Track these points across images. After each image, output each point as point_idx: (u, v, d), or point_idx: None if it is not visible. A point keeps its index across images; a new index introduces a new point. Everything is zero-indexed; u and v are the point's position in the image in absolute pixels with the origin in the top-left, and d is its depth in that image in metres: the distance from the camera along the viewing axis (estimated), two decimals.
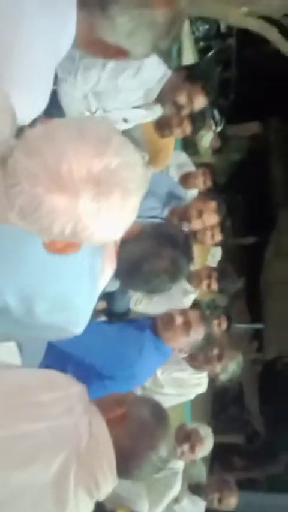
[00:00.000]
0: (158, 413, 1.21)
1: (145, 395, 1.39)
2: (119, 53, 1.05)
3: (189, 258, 1.58)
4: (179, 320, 2.03)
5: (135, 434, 1.14)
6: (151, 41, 1.04)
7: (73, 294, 1.06)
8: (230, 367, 2.82)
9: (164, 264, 1.47)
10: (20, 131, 0.89)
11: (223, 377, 2.88)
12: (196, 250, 4.26)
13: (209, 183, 3.24)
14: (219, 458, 3.04)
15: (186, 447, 2.74)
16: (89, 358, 1.74)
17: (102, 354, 1.78)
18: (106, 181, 0.70)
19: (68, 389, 1.10)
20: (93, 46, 1.07)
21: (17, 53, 0.97)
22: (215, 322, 3.26)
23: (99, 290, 1.19)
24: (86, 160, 0.70)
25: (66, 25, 1.01)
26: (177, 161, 3.29)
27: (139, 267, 1.45)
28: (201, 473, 3.27)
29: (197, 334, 2.07)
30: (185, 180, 3.21)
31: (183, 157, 3.45)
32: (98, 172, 0.70)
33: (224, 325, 3.30)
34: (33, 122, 1.03)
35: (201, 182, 3.23)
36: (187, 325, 2.04)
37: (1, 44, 0.96)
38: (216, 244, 3.81)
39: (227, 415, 8.94)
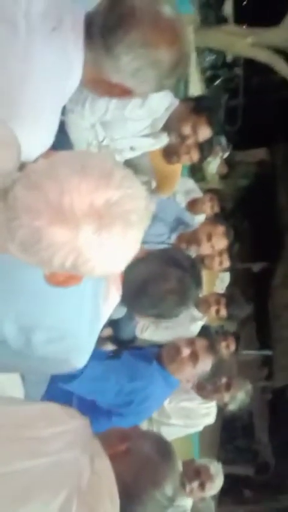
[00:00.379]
0: (163, 448, 1.17)
1: (150, 430, 1.35)
2: (123, 92, 1.07)
3: (197, 281, 1.55)
4: (185, 352, 1.97)
5: (139, 471, 1.10)
6: (156, 80, 1.05)
7: (74, 323, 1.03)
8: (239, 396, 2.76)
9: (171, 286, 1.43)
10: (23, 166, 0.90)
11: (232, 406, 2.82)
12: (204, 275, 4.24)
13: (216, 209, 3.25)
14: (228, 490, 2.92)
15: (195, 484, 2.64)
16: (95, 398, 1.69)
17: (111, 395, 1.73)
18: (108, 214, 0.70)
19: (69, 424, 1.06)
20: (99, 86, 1.09)
21: (25, 93, 0.98)
22: (223, 344, 3.19)
23: (104, 317, 1.17)
24: (88, 194, 0.70)
25: (73, 67, 1.03)
26: (185, 187, 3.30)
27: (145, 290, 1.41)
28: (209, 508, 3.17)
29: (205, 365, 2.00)
30: (193, 205, 3.22)
31: (190, 183, 3.47)
32: (99, 205, 0.70)
33: (232, 346, 3.23)
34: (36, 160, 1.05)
35: (209, 208, 3.24)
36: (194, 357, 1.98)
37: (10, 83, 0.98)
38: (224, 270, 3.79)
39: (236, 445, 8.72)
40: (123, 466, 1.08)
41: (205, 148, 2.56)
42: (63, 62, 1.01)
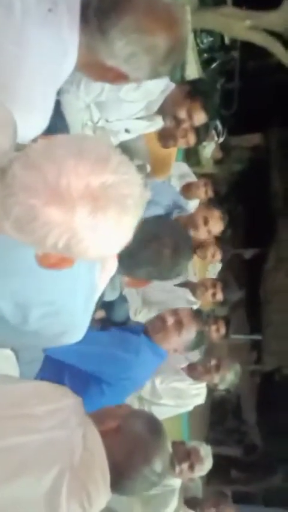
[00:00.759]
0: (153, 426, 1.20)
1: (141, 409, 1.37)
2: (118, 76, 1.06)
3: (189, 243, 1.58)
4: (170, 320, 2.02)
5: (129, 448, 1.13)
6: (150, 66, 1.04)
7: (69, 299, 1.04)
8: (228, 377, 2.82)
9: (166, 242, 1.47)
10: (19, 148, 0.90)
11: (222, 386, 2.87)
12: (197, 259, 4.26)
13: (210, 193, 3.25)
14: (216, 470, 2.99)
15: (185, 466, 2.71)
16: (86, 366, 1.72)
17: (99, 361, 1.76)
18: (103, 197, 0.71)
19: (62, 402, 1.08)
20: (93, 70, 1.08)
21: (21, 76, 0.98)
22: (213, 327, 3.22)
23: (101, 287, 1.18)
24: (85, 176, 0.71)
25: (68, 50, 1.02)
26: (179, 172, 3.29)
27: (141, 248, 1.44)
28: (197, 487, 3.24)
29: (189, 333, 2.04)
30: (187, 190, 3.22)
31: (184, 167, 3.46)
32: (95, 188, 0.70)
33: (223, 330, 3.26)
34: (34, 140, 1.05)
35: (203, 192, 3.24)
36: (179, 325, 2.02)
37: (5, 66, 0.97)
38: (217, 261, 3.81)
39: (225, 427, 8.88)
40: (114, 443, 1.11)
41: (201, 132, 2.55)
42: (59, 45, 1.01)
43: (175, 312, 2.10)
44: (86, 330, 1.75)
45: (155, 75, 1.09)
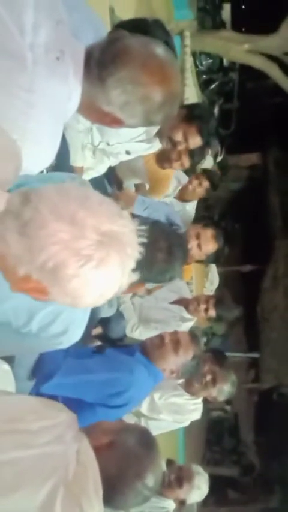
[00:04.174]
0: (146, 441, 1.21)
1: (134, 424, 1.37)
2: (114, 121, 1.14)
3: (184, 248, 1.60)
4: (168, 339, 2.05)
5: (122, 462, 1.14)
6: (143, 115, 1.12)
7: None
8: (226, 389, 2.81)
9: (160, 245, 1.50)
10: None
11: (221, 399, 2.88)
12: (194, 277, 4.28)
13: (205, 184, 3.24)
14: (212, 490, 2.96)
15: (172, 478, 2.69)
16: (81, 397, 1.72)
17: (94, 389, 1.76)
18: (110, 238, 0.77)
19: (58, 417, 1.10)
20: (92, 113, 1.16)
21: (30, 120, 1.06)
22: (202, 307, 3.14)
23: None
24: (101, 218, 0.78)
25: (72, 95, 1.10)
26: (178, 178, 3.32)
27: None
28: (192, 508, 3.20)
29: (187, 354, 2.06)
30: (183, 191, 3.23)
31: (183, 175, 3.48)
32: (106, 229, 0.78)
33: (212, 312, 3.19)
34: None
35: (197, 185, 3.23)
36: (176, 344, 2.05)
37: (16, 112, 1.05)
38: (211, 262, 3.78)
39: (222, 446, 8.78)
40: (107, 458, 1.13)
41: (196, 155, 2.61)
42: (64, 90, 1.09)
43: (174, 333, 2.13)
44: (80, 356, 1.77)
45: (148, 123, 1.17)
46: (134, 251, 0.80)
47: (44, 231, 0.75)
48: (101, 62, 1.08)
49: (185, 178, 3.35)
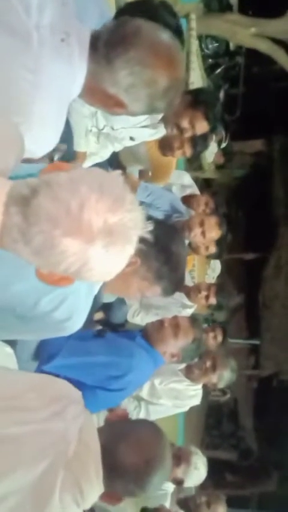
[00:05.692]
0: (156, 433, 1.18)
1: (145, 420, 1.33)
2: (117, 104, 1.14)
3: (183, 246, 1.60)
4: (167, 323, 2.07)
5: (130, 453, 1.12)
6: (147, 99, 1.12)
7: (74, 285, 1.11)
8: (226, 375, 2.84)
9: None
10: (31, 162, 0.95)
11: (221, 385, 2.90)
12: (196, 263, 4.28)
13: (208, 212, 3.22)
14: (210, 473, 3.00)
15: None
16: (82, 378, 1.74)
17: (94, 371, 1.78)
18: (117, 233, 0.81)
19: (60, 394, 1.10)
20: (96, 95, 1.15)
21: (35, 102, 1.05)
22: (211, 334, 3.25)
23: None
24: (104, 213, 0.80)
25: (77, 76, 1.09)
26: (182, 181, 3.30)
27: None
28: (191, 491, 3.25)
29: (186, 337, 2.08)
30: (188, 200, 3.22)
31: (187, 178, 3.45)
32: (112, 224, 0.80)
33: (220, 337, 3.29)
34: (44, 157, 1.13)
35: (201, 209, 3.21)
36: (176, 328, 2.07)
37: (21, 93, 1.04)
38: (210, 257, 3.81)
39: (221, 431, 8.88)
40: (113, 440, 1.12)
41: (199, 144, 2.59)
42: (69, 71, 1.08)
43: (174, 317, 2.15)
44: (82, 338, 1.79)
45: (151, 109, 1.17)
46: (138, 232, 0.84)
47: (54, 250, 0.79)
48: (109, 43, 1.08)
49: (189, 181, 3.32)
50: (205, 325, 3.74)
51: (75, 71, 1.08)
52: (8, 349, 1.44)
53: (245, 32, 6.38)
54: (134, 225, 0.82)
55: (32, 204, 0.80)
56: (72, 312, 1.17)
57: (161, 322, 2.10)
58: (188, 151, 2.59)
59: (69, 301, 1.14)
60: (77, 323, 1.20)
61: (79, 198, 0.79)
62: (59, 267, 0.81)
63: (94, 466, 1.07)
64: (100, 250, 0.80)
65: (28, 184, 0.82)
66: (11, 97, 1.03)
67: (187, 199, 3.15)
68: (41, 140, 1.10)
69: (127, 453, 1.14)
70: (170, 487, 2.81)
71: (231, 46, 7.65)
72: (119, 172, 0.86)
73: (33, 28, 1.03)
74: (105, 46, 1.08)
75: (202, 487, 3.18)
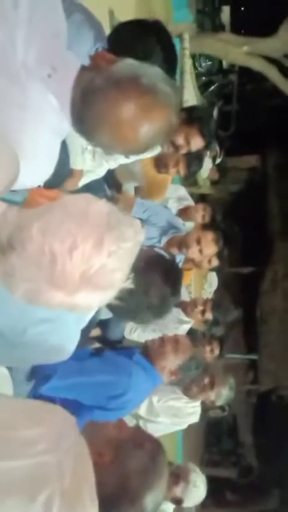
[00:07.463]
0: (154, 461, 1.15)
1: (144, 432, 1.28)
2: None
3: (177, 293, 1.62)
4: (168, 339, 2.09)
5: (120, 482, 1.08)
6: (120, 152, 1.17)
7: (63, 313, 1.11)
8: (224, 392, 2.82)
9: (149, 302, 1.50)
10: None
11: (219, 403, 2.88)
12: (193, 279, 4.28)
13: (207, 219, 3.27)
14: (211, 492, 2.95)
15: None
16: (79, 398, 1.73)
17: (92, 390, 1.77)
18: (101, 278, 0.84)
19: (54, 423, 1.08)
20: None
21: (24, 137, 1.07)
22: (207, 348, 3.24)
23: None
24: (86, 262, 0.82)
25: (66, 109, 1.09)
26: (177, 194, 3.33)
27: (126, 300, 1.46)
28: (191, 510, 3.20)
29: (185, 354, 2.08)
30: (185, 212, 3.25)
31: (182, 191, 3.50)
32: (95, 272, 0.83)
33: (216, 351, 3.27)
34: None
35: (200, 216, 3.26)
36: (176, 344, 2.08)
37: (10, 129, 1.06)
38: (213, 270, 3.82)
39: (220, 448, 8.78)
40: (106, 473, 1.10)
41: (194, 164, 2.62)
42: (55, 109, 1.09)
43: (175, 335, 2.16)
44: (78, 358, 1.78)
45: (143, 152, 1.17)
46: (124, 272, 0.87)
47: (39, 300, 0.85)
48: (79, 118, 1.08)
49: (185, 194, 3.35)
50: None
51: (64, 106, 1.08)
52: (4, 370, 1.42)
53: (237, 50, 6.50)
54: (115, 268, 0.84)
55: (7, 263, 0.83)
56: (63, 340, 1.18)
57: (161, 339, 2.12)
58: (182, 170, 2.61)
59: (58, 331, 1.15)
60: (67, 352, 1.20)
61: (51, 254, 0.81)
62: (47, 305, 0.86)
63: (89, 494, 1.05)
64: (84, 296, 0.84)
65: (5, 232, 0.85)
66: (0, 131, 1.04)
67: (184, 212, 3.17)
68: (33, 173, 1.12)
69: (114, 486, 1.11)
70: (169, 507, 2.77)
71: (225, 64, 7.79)
72: (103, 202, 0.86)
73: (20, 66, 1.03)
74: (77, 117, 1.07)
75: (202, 506, 3.13)
